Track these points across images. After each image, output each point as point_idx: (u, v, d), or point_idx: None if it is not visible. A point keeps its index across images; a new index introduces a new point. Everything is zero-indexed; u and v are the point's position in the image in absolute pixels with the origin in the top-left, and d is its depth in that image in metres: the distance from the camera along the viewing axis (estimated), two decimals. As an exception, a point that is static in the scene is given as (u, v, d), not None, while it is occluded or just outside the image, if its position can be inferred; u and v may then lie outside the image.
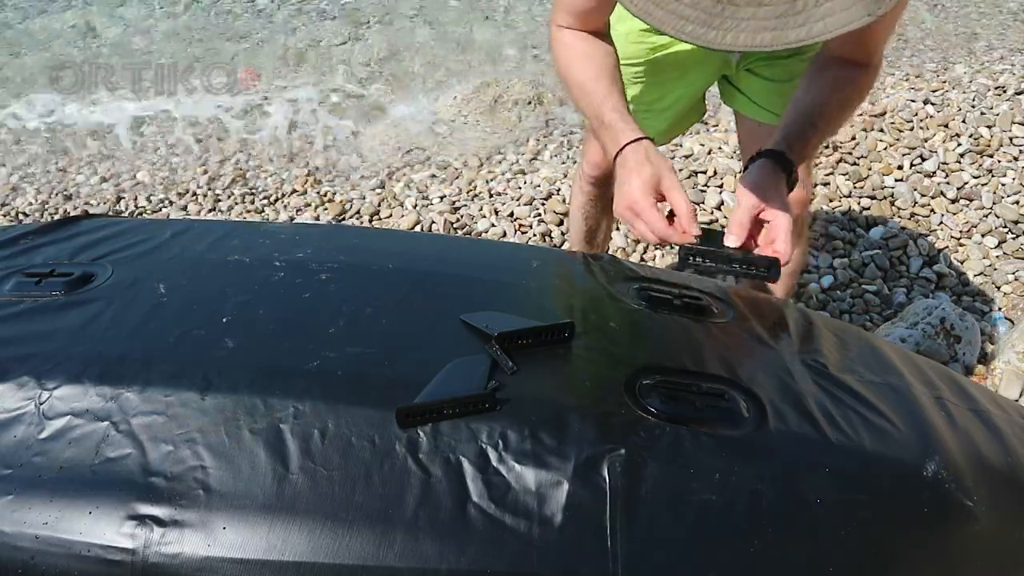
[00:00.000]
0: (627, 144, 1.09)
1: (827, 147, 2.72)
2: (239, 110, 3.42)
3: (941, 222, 2.53)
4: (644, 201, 1.03)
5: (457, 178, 2.88)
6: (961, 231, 2.50)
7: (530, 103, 3.35)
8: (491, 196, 2.74)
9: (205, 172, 2.99)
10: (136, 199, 2.83)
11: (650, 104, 1.50)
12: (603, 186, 1.75)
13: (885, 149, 2.78)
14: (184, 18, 4.21)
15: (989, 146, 2.77)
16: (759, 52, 1.42)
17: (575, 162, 2.86)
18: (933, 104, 2.99)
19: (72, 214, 2.70)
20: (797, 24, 0.67)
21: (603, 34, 1.22)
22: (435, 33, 4.07)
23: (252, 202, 2.81)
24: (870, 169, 2.71)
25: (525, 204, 2.65)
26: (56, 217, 2.58)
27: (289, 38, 3.97)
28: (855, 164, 2.72)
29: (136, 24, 4.16)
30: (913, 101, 3.00)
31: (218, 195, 2.85)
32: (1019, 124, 2.85)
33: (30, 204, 2.82)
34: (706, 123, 2.93)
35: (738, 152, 1.72)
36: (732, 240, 1.01)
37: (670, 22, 0.69)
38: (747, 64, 1.43)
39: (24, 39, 4.02)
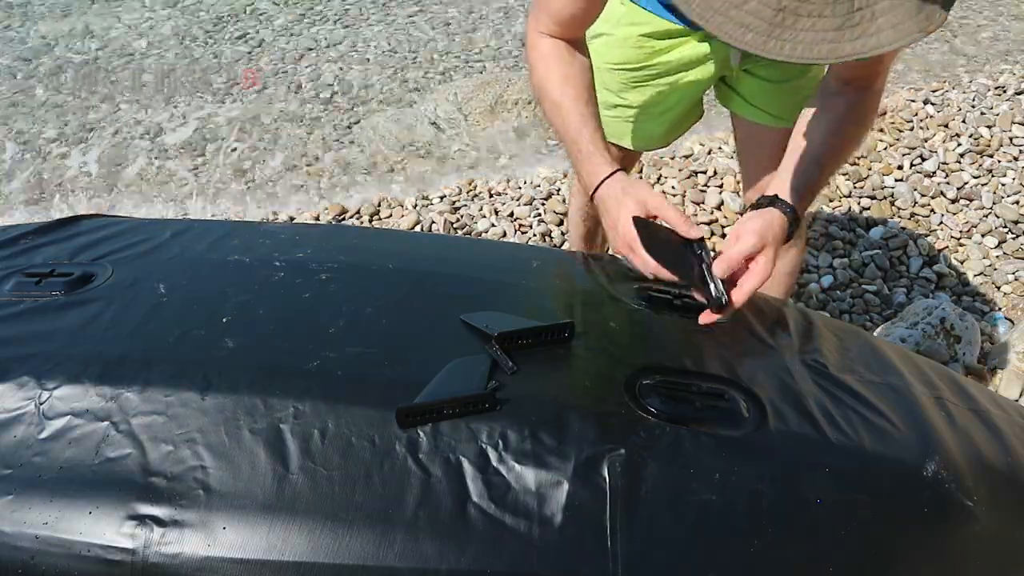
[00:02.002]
0: (602, 181, 1.10)
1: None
2: (239, 109, 3.42)
3: (941, 222, 2.54)
4: (632, 242, 1.05)
5: (457, 178, 2.88)
6: (961, 231, 2.50)
7: (530, 102, 3.35)
8: (491, 196, 2.74)
9: (205, 172, 2.99)
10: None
11: (649, 108, 1.50)
12: None
13: (885, 149, 2.78)
14: (186, 19, 4.21)
15: (989, 146, 2.77)
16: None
17: (575, 162, 2.85)
18: (933, 104, 2.99)
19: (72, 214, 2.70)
20: (853, 38, 0.68)
21: (581, 43, 1.20)
22: (435, 33, 4.07)
23: (252, 201, 2.81)
24: (870, 169, 2.71)
25: (525, 204, 2.65)
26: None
27: (290, 40, 3.97)
28: (855, 164, 2.72)
29: (135, 26, 4.16)
30: (913, 101, 3.00)
31: (218, 195, 2.85)
32: (1019, 124, 2.85)
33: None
34: (706, 124, 2.93)
35: (736, 152, 1.71)
36: (721, 269, 1.01)
37: (729, 30, 0.69)
38: (745, 65, 1.43)
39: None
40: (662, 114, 1.51)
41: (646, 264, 1.03)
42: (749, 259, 1.01)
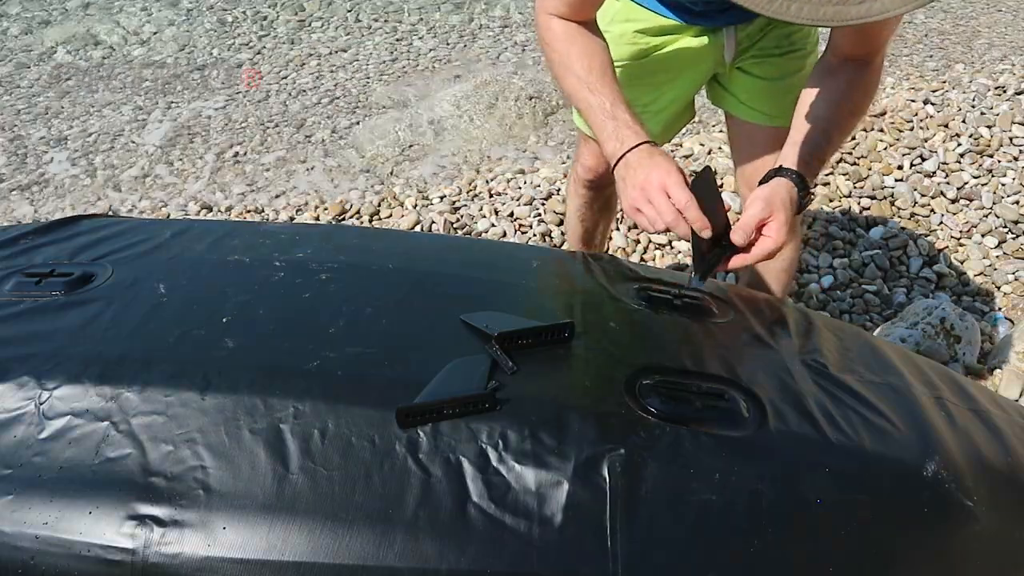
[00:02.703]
0: (638, 144, 1.09)
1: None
2: (239, 109, 3.42)
3: (941, 222, 2.53)
4: (671, 184, 1.03)
5: (457, 178, 2.88)
6: (961, 231, 2.50)
7: (531, 98, 3.35)
8: (491, 196, 2.74)
9: (205, 172, 2.99)
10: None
11: (644, 107, 1.50)
12: (598, 189, 1.75)
13: (885, 149, 2.78)
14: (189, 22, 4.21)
15: (989, 146, 2.77)
16: (752, 50, 1.42)
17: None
18: (933, 104, 2.99)
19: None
20: (857, 2, 0.69)
21: (593, 25, 1.20)
22: (435, 33, 4.07)
23: (252, 201, 2.81)
24: (870, 169, 2.71)
25: (525, 204, 2.65)
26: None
27: (291, 45, 3.97)
28: (855, 164, 2.72)
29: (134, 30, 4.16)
30: (913, 101, 3.00)
31: (218, 194, 2.85)
32: (1019, 124, 2.85)
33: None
34: (706, 123, 2.93)
35: (730, 151, 1.71)
36: (738, 236, 1.04)
37: None
38: (738, 63, 1.43)
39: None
40: (657, 113, 1.51)
41: (683, 201, 1.02)
42: (762, 225, 1.03)
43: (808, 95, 1.15)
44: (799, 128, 1.12)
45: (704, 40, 1.38)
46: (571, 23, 1.17)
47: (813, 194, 1.09)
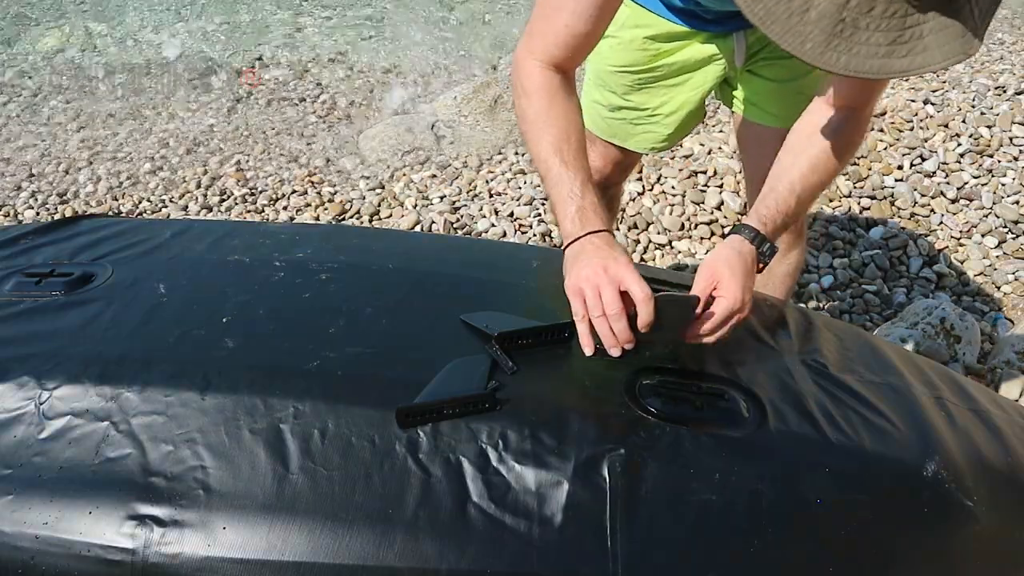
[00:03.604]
0: (600, 231, 1.02)
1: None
2: (238, 110, 3.42)
3: (941, 222, 2.54)
4: (629, 279, 0.93)
5: (457, 178, 2.88)
6: (961, 231, 2.50)
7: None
8: (491, 196, 2.74)
9: (205, 172, 2.99)
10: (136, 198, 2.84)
11: (654, 110, 1.49)
12: (602, 189, 1.74)
13: (885, 149, 2.78)
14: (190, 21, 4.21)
15: (989, 146, 2.76)
16: (762, 53, 1.41)
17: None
18: (933, 104, 2.99)
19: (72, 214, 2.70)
20: (901, 55, 0.71)
21: (573, 78, 1.13)
22: (436, 32, 4.07)
23: (253, 202, 2.81)
24: (870, 169, 2.71)
25: (525, 204, 2.65)
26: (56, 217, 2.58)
27: (292, 46, 3.97)
28: (855, 164, 2.72)
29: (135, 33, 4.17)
30: (913, 101, 2.99)
31: (218, 194, 2.85)
32: (1019, 124, 2.85)
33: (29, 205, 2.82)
34: (706, 123, 2.93)
35: (738, 152, 1.71)
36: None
37: (788, 39, 0.71)
38: (748, 65, 1.43)
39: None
40: (667, 116, 1.51)
41: (610, 304, 0.92)
42: (712, 294, 0.98)
43: (792, 145, 1.12)
44: (772, 181, 1.09)
45: (714, 45, 1.38)
46: (554, 75, 1.10)
47: (776, 247, 1.06)
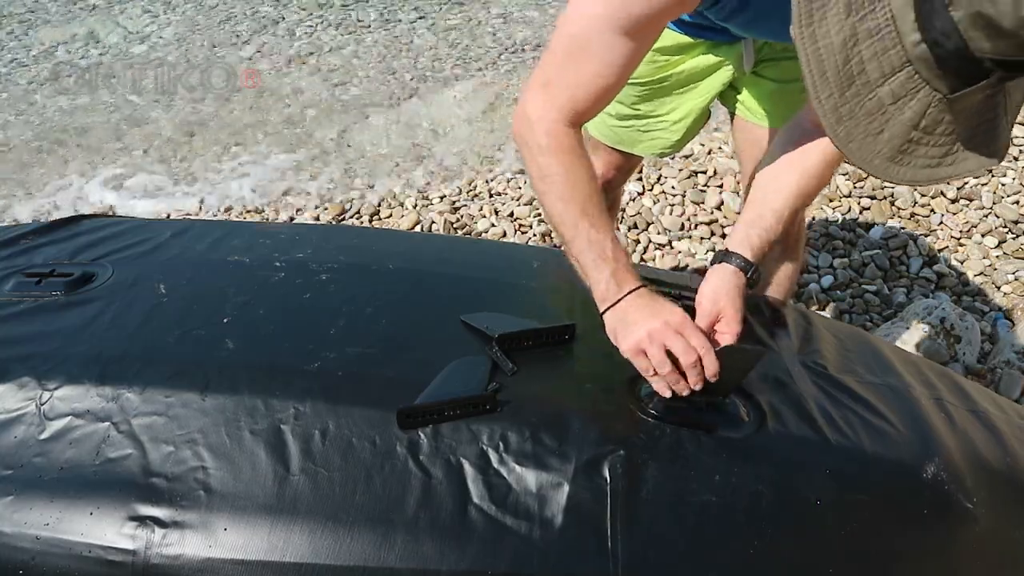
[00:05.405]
0: (638, 288, 1.00)
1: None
2: (239, 111, 3.42)
3: (941, 222, 2.54)
4: (688, 329, 0.94)
5: (457, 178, 2.88)
6: (961, 231, 2.50)
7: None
8: (491, 196, 2.74)
9: (204, 172, 2.99)
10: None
11: (662, 117, 1.49)
12: (604, 192, 1.74)
13: (885, 149, 2.78)
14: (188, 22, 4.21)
15: (989, 146, 2.76)
16: (768, 56, 1.41)
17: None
18: (933, 104, 2.98)
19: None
20: (948, 164, 0.77)
21: (581, 133, 1.08)
22: (435, 33, 4.07)
23: (252, 201, 2.81)
24: (870, 169, 2.70)
25: (525, 204, 2.65)
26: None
27: (293, 43, 3.97)
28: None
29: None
30: (913, 101, 2.99)
31: (218, 194, 2.85)
32: (1019, 124, 2.85)
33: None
34: (706, 124, 2.92)
35: (737, 154, 1.71)
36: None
37: (862, 155, 0.76)
38: (753, 68, 1.43)
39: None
40: (675, 123, 1.51)
41: (700, 341, 0.94)
42: (714, 323, 0.99)
43: (780, 167, 1.10)
44: (759, 207, 1.09)
45: (722, 51, 1.38)
46: (573, 132, 1.05)
47: (760, 272, 1.07)
